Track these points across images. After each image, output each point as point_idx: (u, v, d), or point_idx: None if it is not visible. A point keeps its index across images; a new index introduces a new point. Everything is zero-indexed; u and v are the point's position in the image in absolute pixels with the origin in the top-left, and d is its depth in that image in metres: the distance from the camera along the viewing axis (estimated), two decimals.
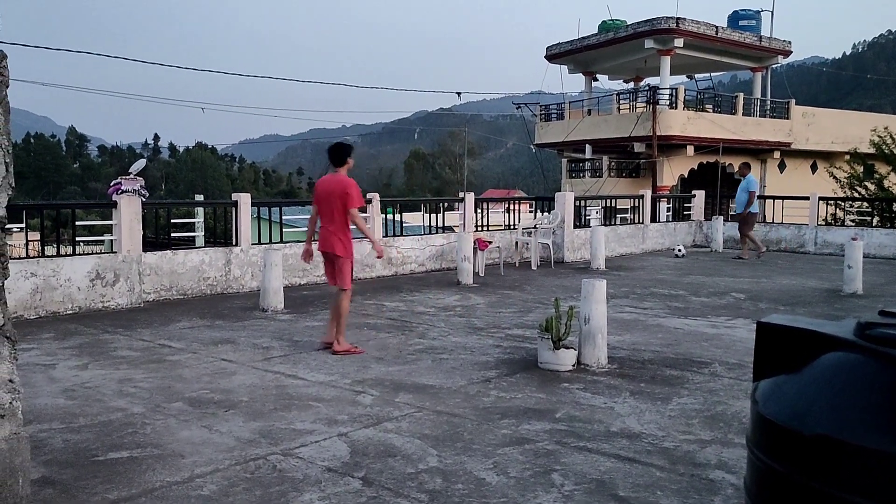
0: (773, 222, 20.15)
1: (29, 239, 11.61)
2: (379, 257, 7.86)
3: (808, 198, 19.18)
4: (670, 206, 20.95)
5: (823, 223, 19.34)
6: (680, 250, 17.50)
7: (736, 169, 17.47)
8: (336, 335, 7.40)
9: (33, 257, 9.80)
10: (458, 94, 31.70)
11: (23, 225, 10.93)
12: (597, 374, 6.57)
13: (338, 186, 7.40)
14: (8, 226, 3.70)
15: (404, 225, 15.37)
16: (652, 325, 8.86)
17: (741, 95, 29.08)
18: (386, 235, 13.96)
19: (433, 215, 15.56)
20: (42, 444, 4.66)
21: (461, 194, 15.79)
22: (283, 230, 12.91)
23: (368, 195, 13.99)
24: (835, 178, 26.30)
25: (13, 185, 3.57)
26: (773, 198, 21.54)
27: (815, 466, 2.01)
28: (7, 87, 3.50)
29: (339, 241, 7.45)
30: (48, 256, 9.75)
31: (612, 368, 6.74)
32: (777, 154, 29.54)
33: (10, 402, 3.53)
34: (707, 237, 19.86)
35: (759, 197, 25.36)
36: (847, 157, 27.74)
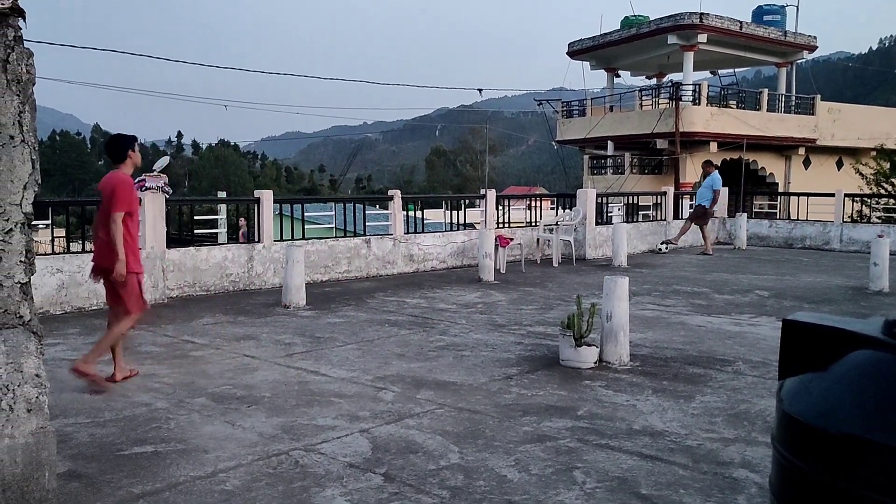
0: (797, 219, 19.96)
1: (55, 235, 11.74)
2: (115, 278, 5.86)
3: (833, 194, 18.97)
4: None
5: (849, 220, 19.14)
6: (661, 248, 17.52)
7: (701, 168, 17.59)
8: (90, 353, 5.96)
9: (59, 254, 9.91)
10: (480, 90, 31.72)
11: (48, 221, 11.05)
12: (619, 371, 6.54)
13: (108, 187, 5.94)
14: (34, 222, 3.74)
15: (426, 222, 15.37)
16: (675, 323, 8.80)
17: (765, 91, 28.82)
18: (407, 232, 13.98)
19: (454, 212, 15.58)
20: (68, 438, 4.72)
21: (482, 191, 15.77)
22: (305, 227, 12.96)
23: (390, 192, 14.04)
24: (861, 174, 26.02)
25: (39, 181, 3.61)
26: (798, 194, 21.34)
27: (842, 465, 1.98)
28: (34, 84, 3.54)
29: (115, 252, 5.87)
30: (73, 253, 9.86)
31: (634, 366, 6.70)
32: (802, 150, 29.26)
33: (37, 397, 3.57)
34: (730, 234, 19.69)
35: (783, 193, 25.25)
36: (873, 153, 27.46)
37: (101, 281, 6.14)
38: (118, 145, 6.13)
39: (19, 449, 3.50)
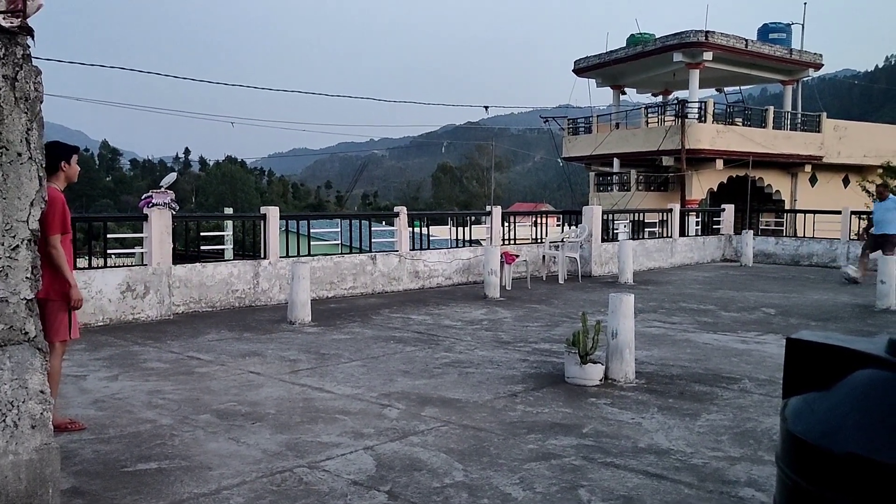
0: (804, 236, 19.92)
1: None
2: (74, 307, 5.15)
3: (839, 212, 18.93)
4: (699, 219, 20.79)
5: (856, 237, 19.07)
6: (849, 273, 14.98)
7: (873, 191, 15.10)
8: None
9: None
10: (486, 107, 31.89)
11: None
12: (624, 389, 6.52)
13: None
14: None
15: (431, 238, 15.38)
16: (680, 340, 8.78)
17: (771, 109, 28.84)
18: (413, 248, 13.99)
19: (460, 229, 15.58)
20: (72, 455, 4.72)
21: (488, 208, 15.79)
22: (311, 243, 12.97)
23: (396, 208, 14.07)
24: (867, 191, 25.97)
25: (46, 198, 3.63)
26: (805, 212, 21.30)
27: (846, 485, 1.97)
28: (42, 102, 3.57)
29: (48, 278, 4.78)
30: (80, 268, 9.87)
31: (639, 383, 6.68)
32: (808, 168, 29.24)
33: (42, 413, 3.58)
34: (737, 251, 19.67)
35: (789, 211, 25.20)
36: (880, 170, 27.41)
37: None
38: (49, 154, 4.60)
39: (23, 465, 3.50)
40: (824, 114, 29.79)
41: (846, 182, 30.62)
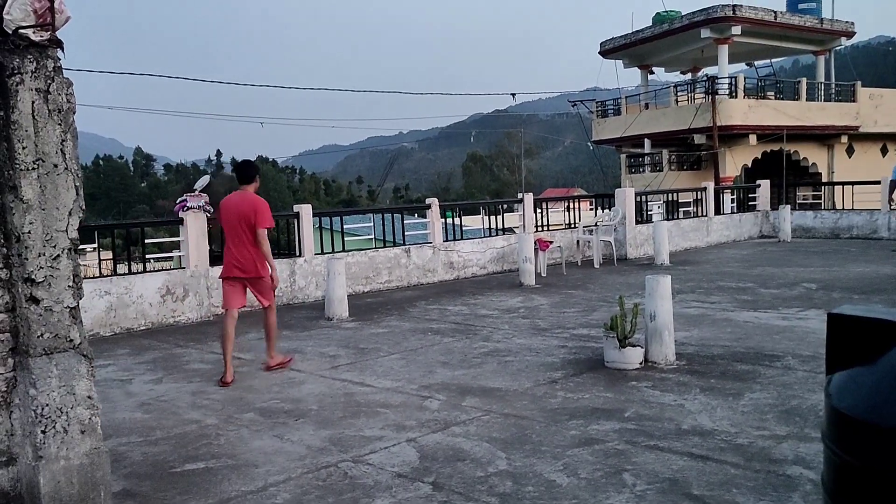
0: (843, 209, 19.60)
1: (102, 258, 11.98)
2: (272, 288, 7.16)
3: (879, 182, 18.57)
4: (734, 197, 20.53)
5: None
6: None
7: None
8: (269, 351, 7.20)
9: (106, 276, 10.11)
10: (513, 94, 31.78)
11: (95, 245, 11.28)
12: (665, 371, 6.47)
13: (248, 205, 6.94)
14: (81, 246, 3.83)
15: (464, 228, 15.38)
16: (720, 320, 8.69)
17: (804, 80, 28.33)
18: (446, 240, 14.00)
19: (493, 217, 15.55)
20: (122, 458, 4.81)
21: (520, 195, 15.73)
22: (345, 239, 13.03)
23: (427, 200, 14.09)
24: None
25: (84, 207, 3.70)
26: (843, 183, 20.93)
27: (894, 460, 1.94)
28: (74, 113, 3.63)
29: (258, 262, 7.00)
30: (120, 275, 10.04)
31: (680, 365, 6.63)
32: (844, 138, 28.70)
33: (90, 418, 3.65)
34: (774, 227, 19.40)
35: (827, 183, 24.78)
36: None
37: (234, 286, 7.06)
38: (248, 169, 7.19)
39: (75, 470, 3.58)
40: (859, 83, 29.23)
41: (884, 151, 30.01)
